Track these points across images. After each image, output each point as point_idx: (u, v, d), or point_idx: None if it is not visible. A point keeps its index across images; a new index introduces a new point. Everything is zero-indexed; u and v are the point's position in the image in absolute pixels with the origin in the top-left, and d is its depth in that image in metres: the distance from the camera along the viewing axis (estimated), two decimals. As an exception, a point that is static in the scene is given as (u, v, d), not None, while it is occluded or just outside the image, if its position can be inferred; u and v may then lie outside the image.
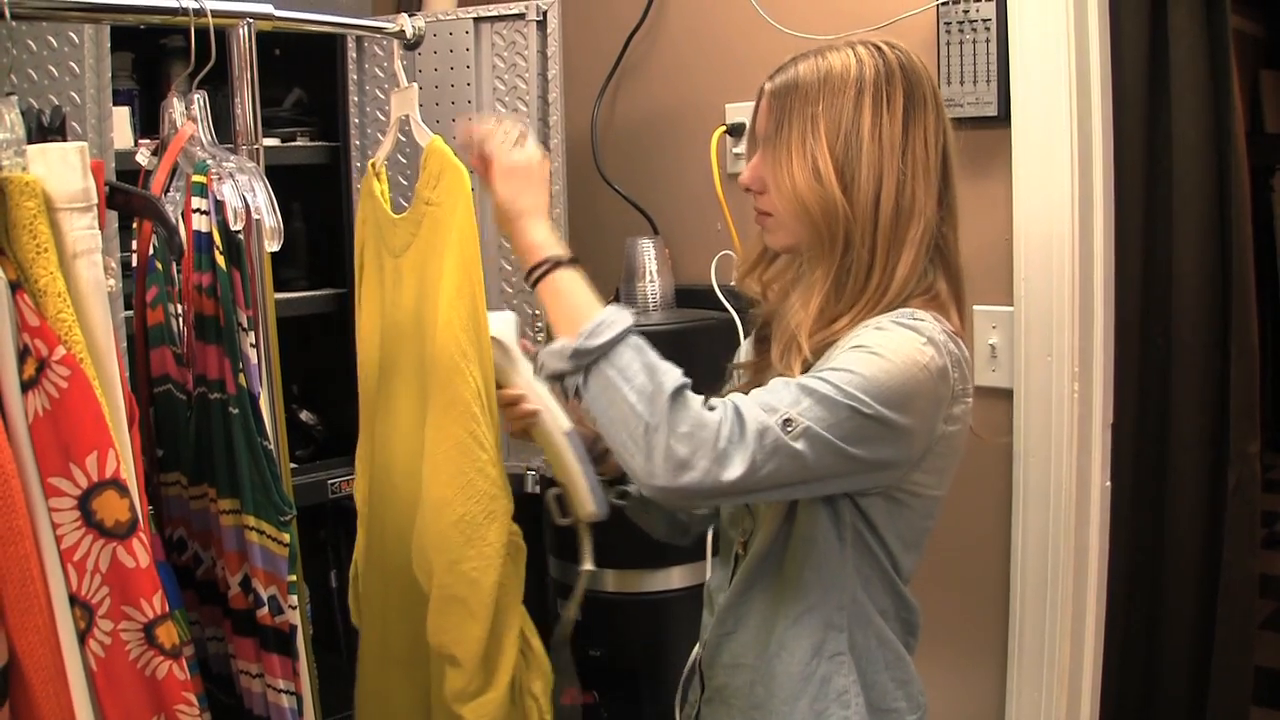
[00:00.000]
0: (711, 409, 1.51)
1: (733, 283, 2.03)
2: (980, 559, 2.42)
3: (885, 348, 1.56)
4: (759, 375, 1.78)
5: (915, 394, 1.55)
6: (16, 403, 1.28)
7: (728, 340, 2.56)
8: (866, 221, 1.64)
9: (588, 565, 1.87)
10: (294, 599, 1.55)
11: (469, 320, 1.71)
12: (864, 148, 1.64)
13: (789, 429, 1.50)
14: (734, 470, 1.48)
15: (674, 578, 2.54)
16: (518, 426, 1.82)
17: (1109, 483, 2.39)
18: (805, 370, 1.61)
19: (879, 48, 1.69)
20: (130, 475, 1.33)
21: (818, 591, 1.70)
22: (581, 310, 1.60)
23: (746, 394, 1.59)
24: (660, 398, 1.51)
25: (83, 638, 1.30)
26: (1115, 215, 2.36)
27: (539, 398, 1.78)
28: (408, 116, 1.86)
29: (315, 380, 2.70)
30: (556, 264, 1.64)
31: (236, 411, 1.53)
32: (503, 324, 1.83)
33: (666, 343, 2.48)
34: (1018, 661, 2.41)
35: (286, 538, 1.53)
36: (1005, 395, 2.40)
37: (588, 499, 1.81)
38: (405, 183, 2.58)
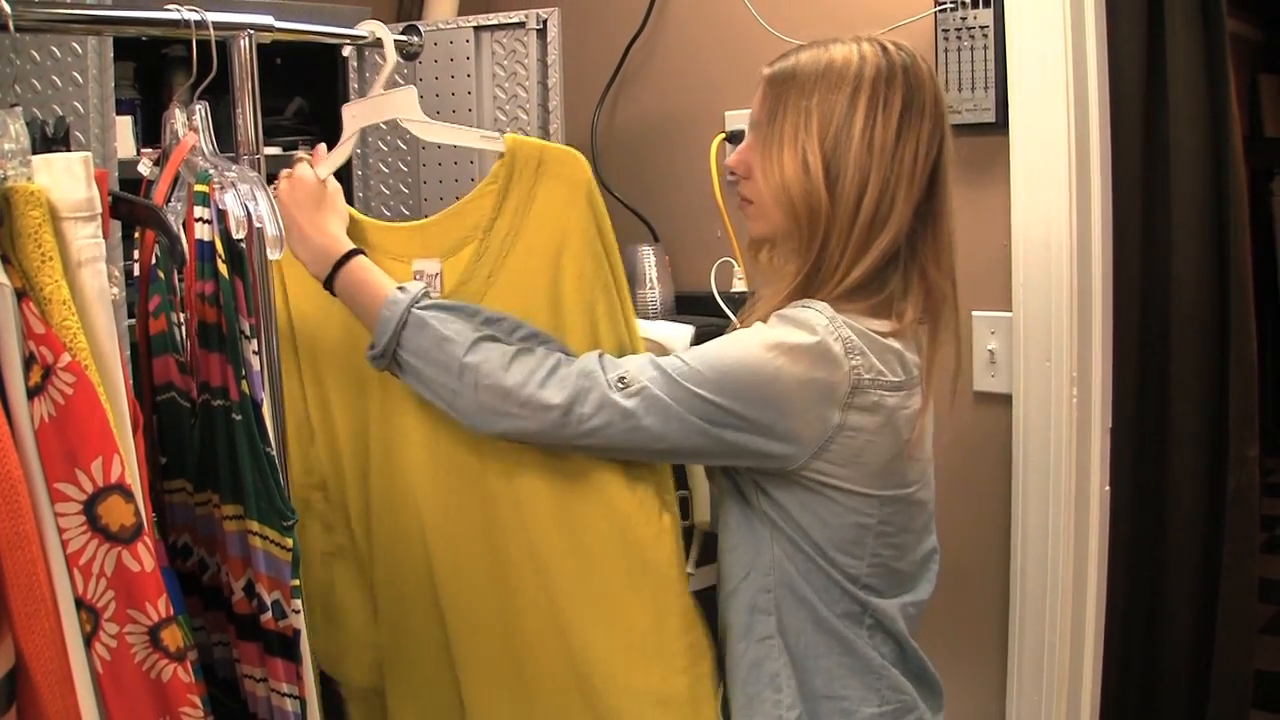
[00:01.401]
0: (520, 352, 1.66)
1: (742, 295, 2.05)
2: (980, 564, 2.43)
3: (744, 337, 1.64)
4: None
5: (775, 379, 1.60)
6: (22, 409, 1.29)
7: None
8: (845, 221, 1.67)
9: (688, 569, 1.88)
10: (297, 603, 1.56)
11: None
12: (853, 147, 1.66)
13: (622, 385, 1.60)
14: (550, 413, 1.62)
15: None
16: None
17: (1108, 488, 2.40)
18: None
19: (885, 47, 1.70)
20: (135, 480, 1.34)
21: (738, 572, 1.75)
22: (369, 313, 1.73)
23: None
24: (453, 363, 1.65)
25: (88, 641, 1.31)
26: (1113, 221, 2.37)
27: None
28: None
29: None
30: (333, 271, 1.76)
31: (239, 418, 1.54)
32: (678, 336, 1.86)
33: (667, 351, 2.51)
34: (1018, 666, 2.41)
35: (290, 543, 1.54)
36: (1004, 401, 2.41)
37: (706, 509, 1.89)
38: (406, 191, 2.59)
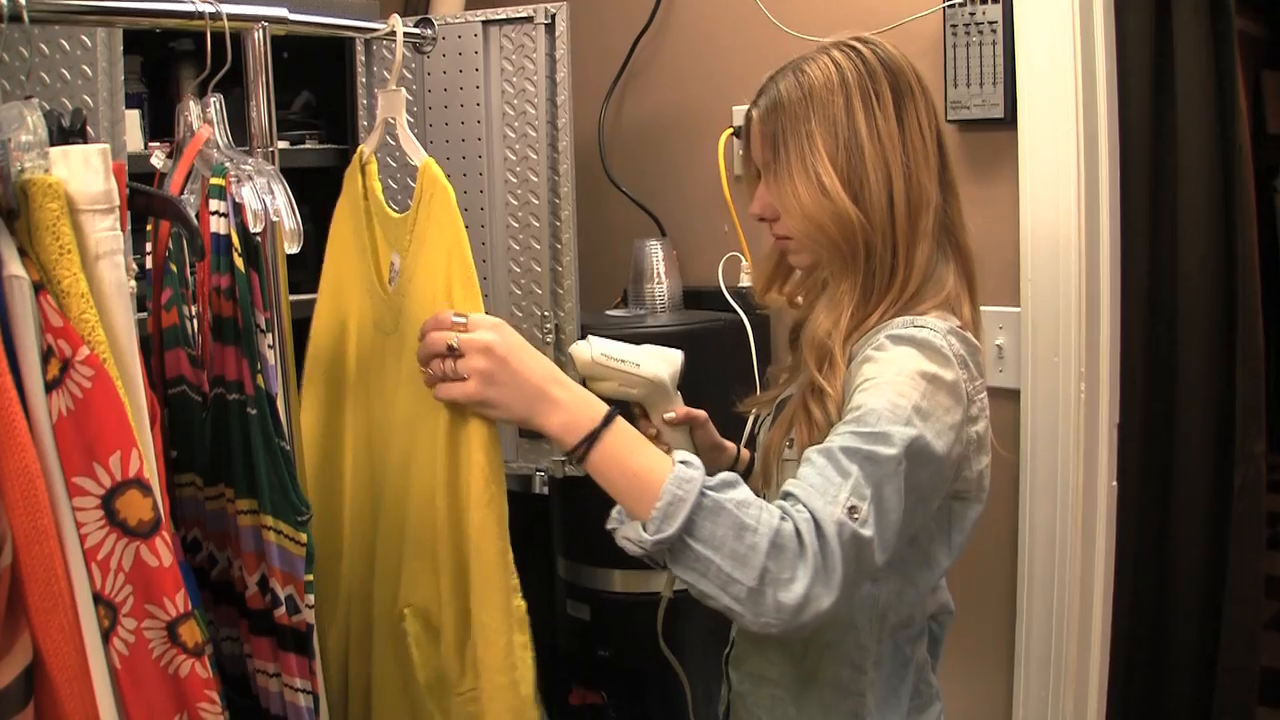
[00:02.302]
0: (785, 521, 1.43)
1: (749, 289, 2.04)
2: (987, 559, 2.43)
3: (895, 372, 1.56)
4: (794, 375, 1.83)
5: (930, 408, 1.54)
6: (40, 403, 1.29)
7: (736, 341, 2.58)
8: (883, 223, 1.66)
9: (666, 592, 1.91)
10: (310, 598, 1.56)
11: None
12: (865, 152, 1.65)
13: (855, 517, 1.44)
14: (833, 588, 1.41)
15: (683, 577, 2.55)
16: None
17: (1115, 483, 2.40)
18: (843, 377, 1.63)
19: (853, 48, 1.70)
20: (153, 475, 1.33)
21: (840, 626, 1.69)
22: (639, 485, 1.49)
23: (777, 404, 1.76)
24: (755, 558, 1.41)
25: (106, 636, 1.31)
26: (1121, 217, 2.37)
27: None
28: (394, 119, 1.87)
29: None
30: (591, 440, 1.53)
31: (254, 412, 1.53)
32: (663, 365, 1.86)
33: (675, 344, 2.51)
34: (1025, 661, 2.42)
35: (304, 537, 1.54)
36: (1012, 396, 2.41)
37: None
38: (395, 186, 2.58)
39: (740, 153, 1.81)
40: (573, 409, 1.55)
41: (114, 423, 1.30)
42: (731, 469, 1.79)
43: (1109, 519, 2.40)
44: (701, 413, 1.93)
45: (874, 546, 1.45)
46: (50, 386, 1.29)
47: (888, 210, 1.66)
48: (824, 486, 1.46)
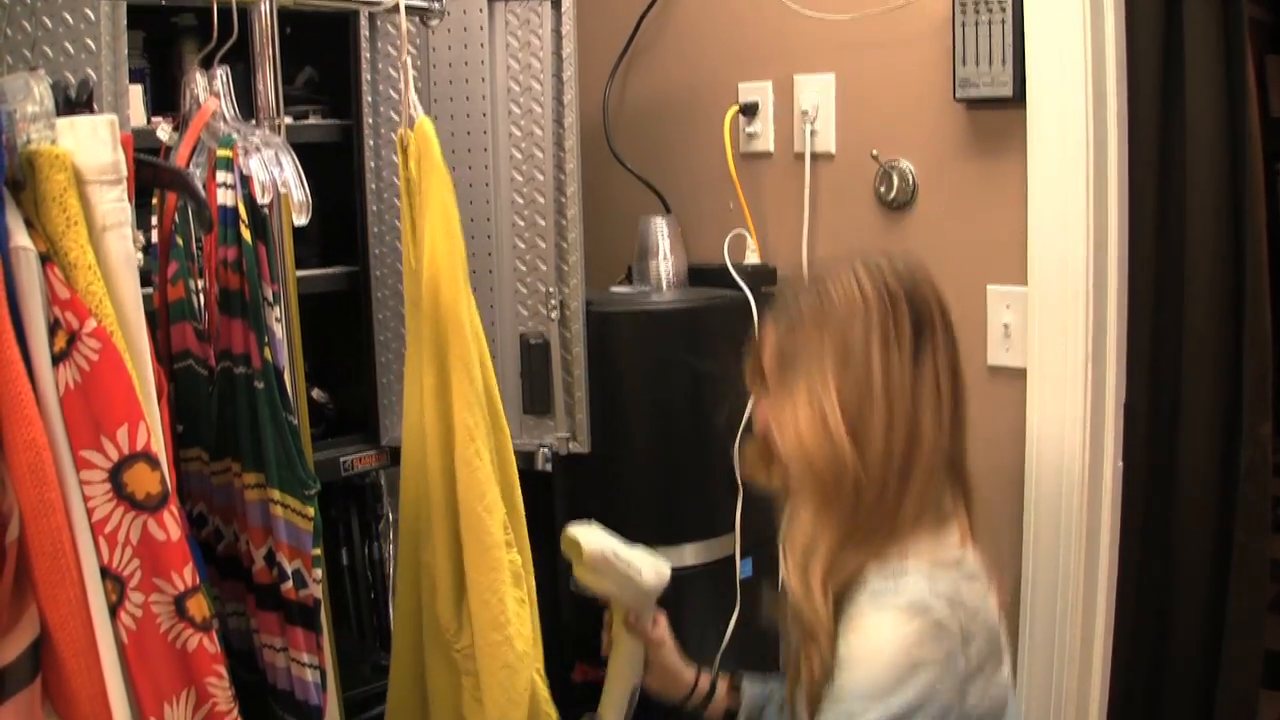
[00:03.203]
0: None
1: (755, 266, 2.03)
2: (992, 539, 2.41)
3: (879, 647, 1.56)
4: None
5: (917, 696, 1.54)
6: (48, 376, 1.28)
7: (741, 318, 2.56)
8: (878, 469, 1.61)
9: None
10: (318, 573, 1.56)
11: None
12: (875, 395, 1.60)
13: None
14: None
15: (688, 555, 2.54)
16: (607, 650, 1.94)
17: (1121, 462, 2.39)
18: (836, 609, 1.62)
19: (882, 274, 1.64)
20: (160, 448, 1.33)
21: None
22: None
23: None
24: None
25: (114, 610, 1.30)
26: (1129, 197, 2.35)
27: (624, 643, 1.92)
28: None
29: (326, 358, 2.69)
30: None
31: (262, 386, 1.53)
32: (656, 577, 1.94)
33: (680, 322, 2.50)
34: (1029, 640, 2.41)
35: (311, 512, 1.54)
36: (1018, 375, 2.40)
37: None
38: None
39: (750, 359, 1.77)
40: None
41: (121, 396, 1.29)
42: (687, 698, 1.98)
43: (1114, 499, 2.39)
44: (667, 638, 2.00)
45: None
46: (57, 359, 1.28)
47: (883, 457, 1.62)
48: None
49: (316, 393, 2.66)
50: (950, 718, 1.57)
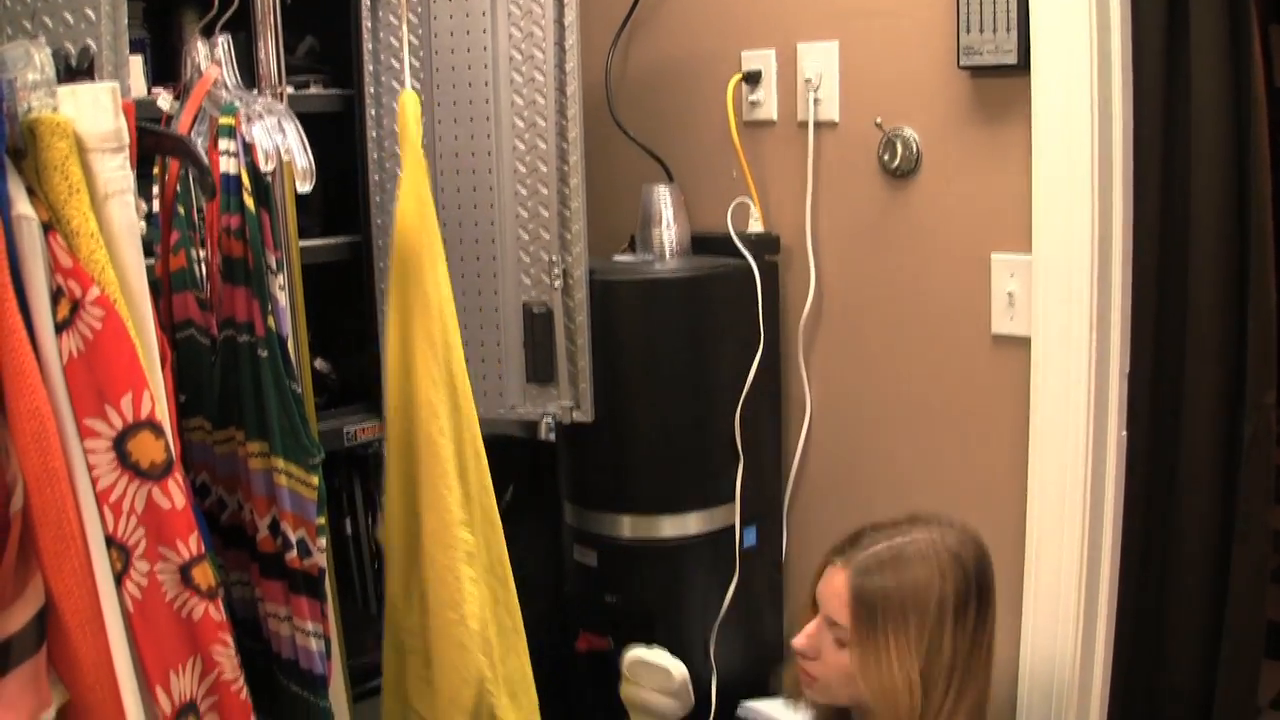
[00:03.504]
0: None
1: (757, 235, 2.05)
2: (995, 508, 2.42)
3: None
4: None
5: None
6: (51, 344, 1.28)
7: (743, 287, 2.56)
8: (936, 709, 1.82)
9: None
10: (322, 542, 1.56)
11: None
12: (944, 664, 1.81)
13: None
14: None
15: (690, 524, 2.55)
16: None
17: (1125, 431, 2.38)
18: None
19: (959, 556, 1.85)
20: (165, 416, 1.32)
21: None
22: None
23: None
24: None
25: (119, 579, 1.30)
26: (1134, 164, 2.34)
27: None
28: None
29: (328, 328, 2.69)
30: None
31: (265, 354, 1.52)
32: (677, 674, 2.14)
33: (683, 290, 2.49)
34: (1033, 611, 2.41)
35: (315, 481, 1.53)
36: (1022, 344, 2.39)
37: None
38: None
39: (822, 605, 1.95)
40: None
41: (125, 364, 1.29)
42: None
43: (1118, 468, 2.39)
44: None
45: None
46: (60, 327, 1.28)
47: (939, 708, 1.81)
48: None
49: (319, 363, 2.66)
50: None
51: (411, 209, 1.77)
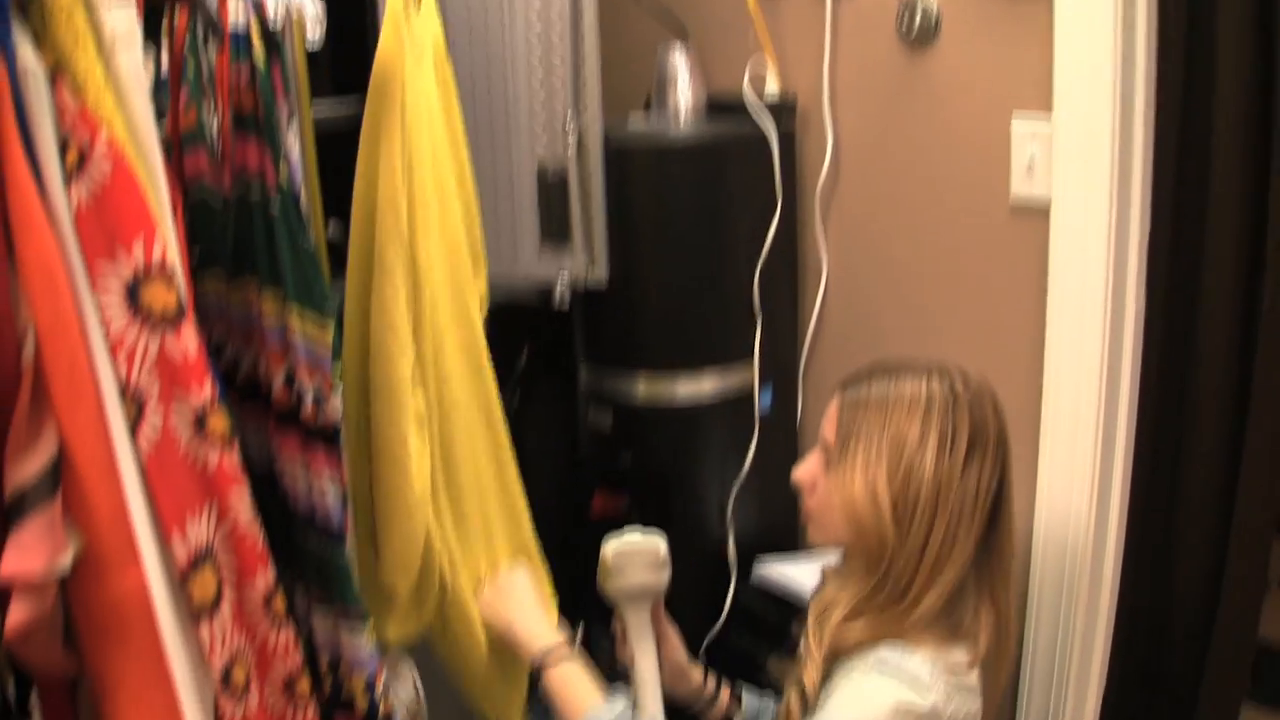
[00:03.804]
0: None
1: (774, 99, 2.04)
2: (1011, 375, 2.41)
3: (868, 698, 1.70)
4: None
5: None
6: (59, 193, 1.26)
7: (759, 150, 2.54)
8: (911, 559, 1.75)
9: None
10: (337, 394, 1.55)
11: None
12: (923, 491, 1.74)
13: None
14: None
15: (706, 386, 2.54)
16: (623, 656, 2.01)
17: (1144, 300, 2.37)
18: (828, 659, 1.78)
19: (952, 384, 1.78)
20: (176, 263, 1.32)
21: None
22: (572, 710, 1.84)
23: (795, 664, 1.86)
24: None
25: (133, 427, 1.30)
26: (1158, 30, 2.30)
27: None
28: None
29: (340, 195, 2.67)
30: (541, 665, 1.89)
31: (277, 208, 1.51)
32: (654, 547, 2.00)
33: (698, 158, 2.47)
34: (1048, 474, 2.41)
35: (330, 332, 1.52)
36: (1041, 211, 2.37)
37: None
38: None
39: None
40: (532, 635, 1.93)
41: (135, 211, 1.28)
42: (696, 696, 2.11)
43: (1136, 340, 2.37)
44: (672, 634, 2.10)
45: None
46: (69, 176, 1.27)
47: (919, 549, 1.74)
48: None
49: (332, 229, 2.64)
50: None
51: (389, 34, 1.74)
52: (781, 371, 2.69)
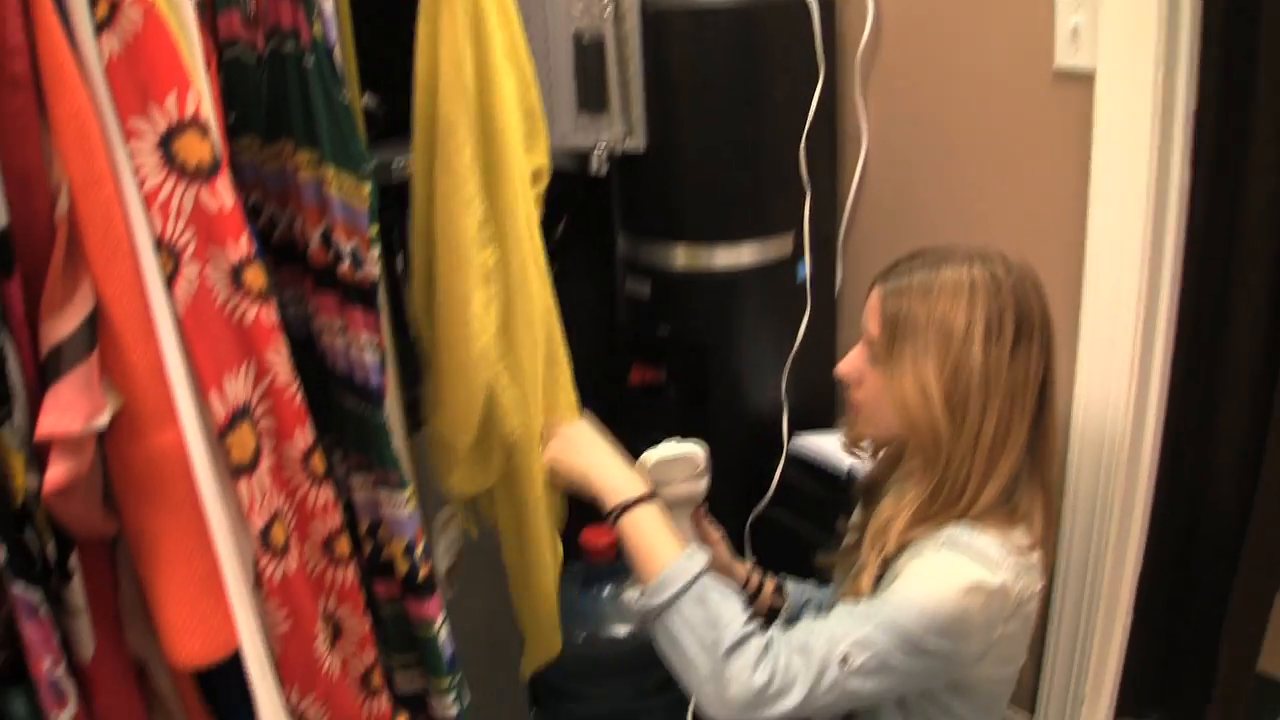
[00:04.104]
0: (768, 645, 1.67)
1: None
2: (1051, 250, 2.38)
3: (940, 576, 1.70)
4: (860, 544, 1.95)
5: (965, 617, 1.67)
6: (90, 45, 1.24)
7: (799, 18, 2.50)
8: (967, 451, 1.76)
9: None
10: (374, 253, 1.54)
11: None
12: (973, 381, 1.73)
13: (845, 665, 1.65)
14: (787, 702, 1.64)
15: (744, 254, 2.53)
16: None
17: (1190, 171, 2.33)
18: (884, 562, 1.79)
19: (994, 273, 1.74)
20: (210, 115, 1.30)
21: None
22: (651, 560, 1.78)
23: (850, 552, 1.97)
24: (718, 650, 1.66)
25: (169, 282, 1.29)
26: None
27: None
28: None
29: (374, 62, 2.64)
30: (622, 511, 1.82)
31: (312, 64, 1.48)
32: (694, 455, 2.01)
33: (737, 23, 2.43)
34: (1087, 357, 2.40)
35: (366, 190, 1.51)
36: (1086, 79, 2.33)
37: None
38: None
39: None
40: (616, 480, 1.86)
41: (168, 62, 1.26)
42: (742, 590, 2.10)
43: (1180, 212, 2.34)
44: (715, 533, 2.12)
45: (850, 696, 1.68)
46: (100, 27, 1.24)
47: (973, 441, 1.75)
48: (835, 631, 1.69)
49: (366, 98, 2.62)
50: (953, 674, 1.76)
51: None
52: (820, 241, 2.67)
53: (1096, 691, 2.68)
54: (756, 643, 1.67)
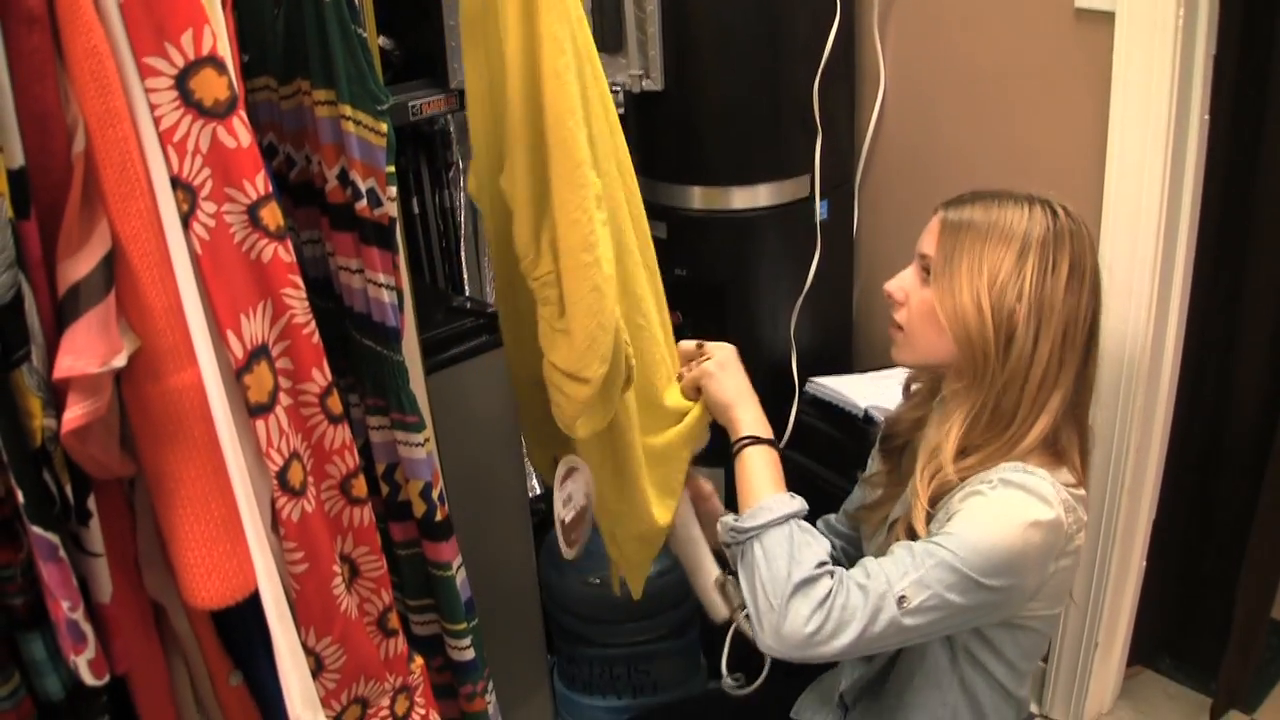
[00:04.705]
0: (833, 591, 1.68)
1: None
2: (1071, 189, 2.34)
3: (998, 514, 1.70)
4: (892, 488, 2.02)
5: (1025, 553, 1.69)
6: (104, -19, 1.23)
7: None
8: (1017, 379, 1.77)
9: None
10: (392, 191, 1.52)
11: None
12: (1024, 301, 1.74)
13: (903, 605, 1.66)
14: (840, 642, 1.66)
15: (761, 196, 2.52)
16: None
17: (1208, 116, 2.32)
18: (936, 494, 1.79)
19: (1054, 211, 1.78)
20: (227, 53, 1.29)
21: (919, 705, 1.90)
22: (757, 490, 1.82)
23: (879, 507, 2.00)
24: (790, 583, 1.68)
25: (186, 220, 1.28)
26: None
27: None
28: None
29: (391, 2, 2.62)
30: (751, 442, 1.87)
31: (330, -1, 1.47)
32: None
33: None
34: (1108, 290, 2.39)
35: (384, 128, 1.49)
36: (1106, 19, 2.31)
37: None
38: None
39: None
40: (750, 419, 1.90)
41: (183, 0, 1.24)
42: None
43: (1199, 150, 2.33)
44: (708, 486, 2.11)
45: (904, 634, 1.69)
46: (113, -35, 1.23)
47: (1024, 371, 1.76)
48: (893, 571, 1.69)
49: (382, 40, 2.61)
50: (1008, 610, 1.77)
51: None
52: (837, 183, 2.66)
53: (1110, 638, 2.69)
54: (824, 584, 1.69)
